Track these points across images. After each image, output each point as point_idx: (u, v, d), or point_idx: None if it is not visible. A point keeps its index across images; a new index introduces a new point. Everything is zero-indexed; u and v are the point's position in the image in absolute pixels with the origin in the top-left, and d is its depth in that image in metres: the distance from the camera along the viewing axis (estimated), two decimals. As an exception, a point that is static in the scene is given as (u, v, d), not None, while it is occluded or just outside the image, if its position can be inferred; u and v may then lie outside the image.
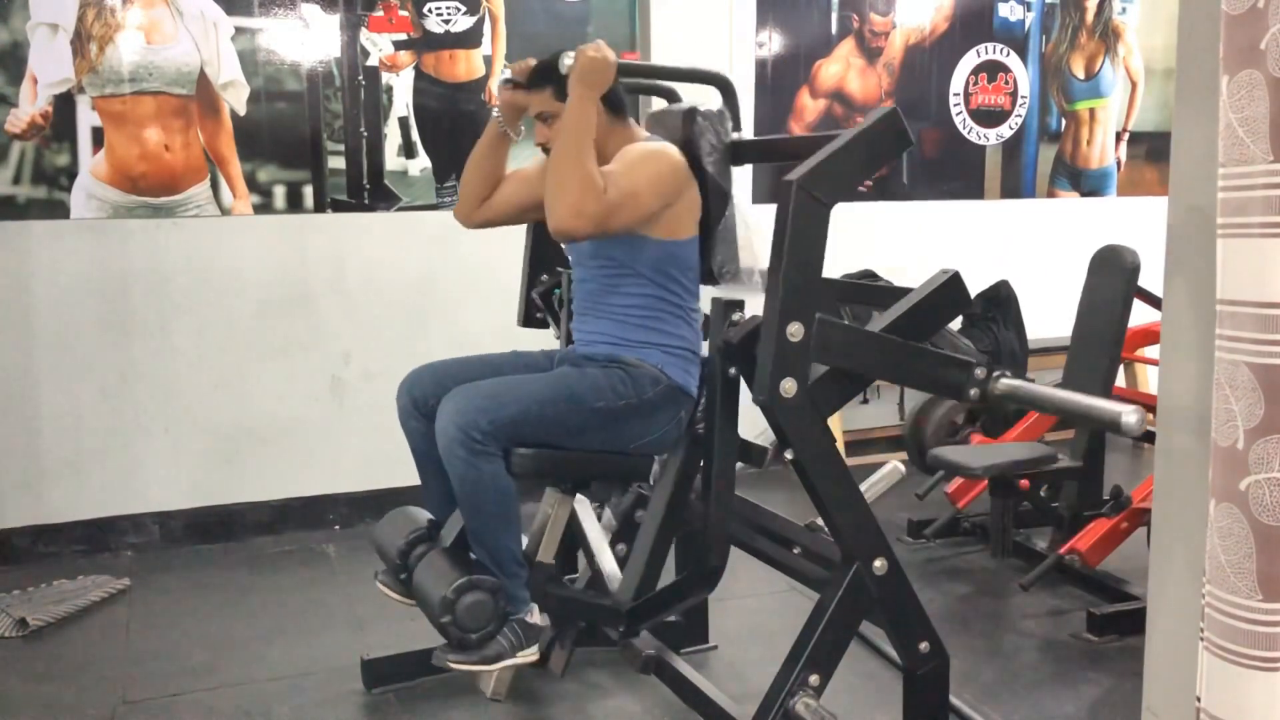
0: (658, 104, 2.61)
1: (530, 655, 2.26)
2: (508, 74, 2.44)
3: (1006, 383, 1.96)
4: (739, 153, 2.41)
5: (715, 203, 2.37)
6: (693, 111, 2.39)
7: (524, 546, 2.34)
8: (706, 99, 2.47)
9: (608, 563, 2.48)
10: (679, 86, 2.60)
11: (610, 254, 2.34)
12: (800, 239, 1.82)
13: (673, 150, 2.31)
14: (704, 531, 2.26)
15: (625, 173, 2.21)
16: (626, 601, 2.30)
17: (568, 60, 2.20)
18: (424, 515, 2.48)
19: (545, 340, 2.76)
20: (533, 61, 2.39)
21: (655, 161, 2.26)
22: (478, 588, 2.18)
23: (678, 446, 2.39)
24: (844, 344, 1.91)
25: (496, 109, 2.47)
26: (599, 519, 2.60)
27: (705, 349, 2.31)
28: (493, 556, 2.23)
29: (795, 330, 1.84)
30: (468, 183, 2.53)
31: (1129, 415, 1.73)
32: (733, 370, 2.16)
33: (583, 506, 2.50)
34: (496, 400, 2.18)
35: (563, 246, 2.60)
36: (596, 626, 2.61)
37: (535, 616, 2.29)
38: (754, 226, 2.42)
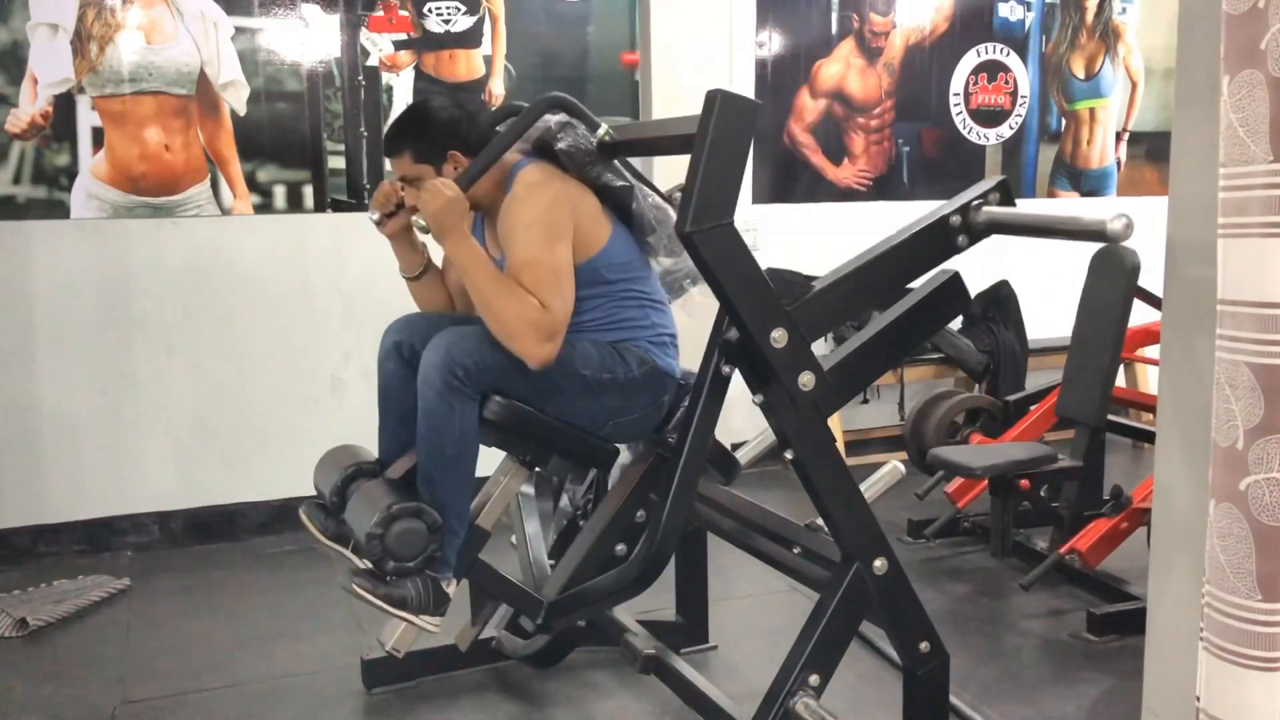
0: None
1: (431, 624, 2.20)
2: (375, 217, 2.42)
3: (987, 211, 1.92)
4: (611, 151, 2.37)
5: (620, 198, 2.37)
6: (544, 145, 2.35)
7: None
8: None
9: (539, 552, 2.47)
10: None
11: None
12: (730, 270, 1.80)
13: (537, 180, 2.27)
14: (651, 530, 2.23)
15: (531, 263, 2.19)
16: (551, 593, 2.27)
17: (420, 224, 2.23)
18: (370, 453, 2.45)
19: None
20: (385, 187, 2.39)
21: (535, 220, 2.22)
22: (420, 517, 2.14)
23: (646, 452, 2.38)
24: (827, 308, 1.91)
25: (399, 268, 2.48)
26: (563, 500, 2.60)
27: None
28: (437, 503, 2.19)
29: (779, 336, 1.84)
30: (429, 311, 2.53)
31: (1113, 221, 1.67)
32: (727, 369, 2.16)
33: (527, 494, 2.48)
34: (486, 345, 2.19)
35: None
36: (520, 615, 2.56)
37: (452, 587, 2.25)
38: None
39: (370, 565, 2.17)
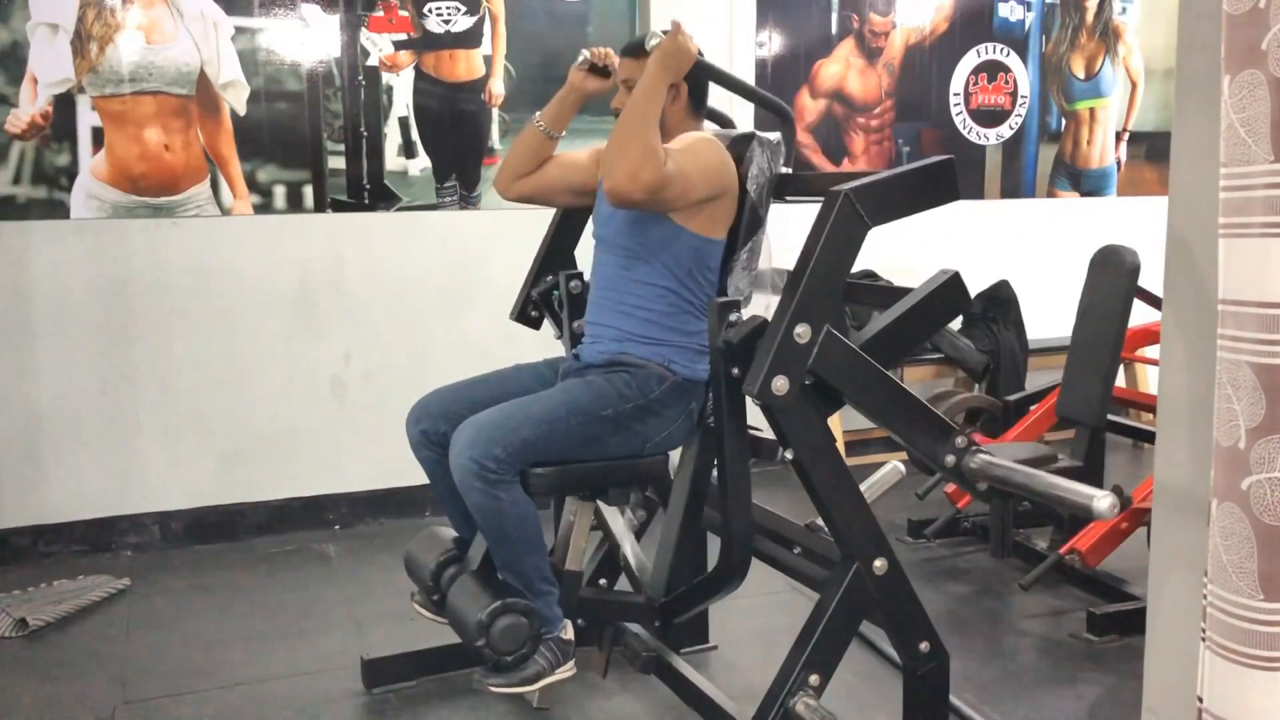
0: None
1: (567, 671, 2.28)
2: (586, 55, 2.47)
3: (982, 459, 1.96)
4: (783, 185, 2.42)
5: (748, 224, 2.38)
6: (751, 135, 2.41)
7: (550, 554, 2.35)
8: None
9: (637, 554, 2.49)
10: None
11: (641, 239, 2.34)
12: (834, 247, 1.87)
13: (724, 150, 2.34)
14: (724, 529, 2.26)
15: (684, 151, 2.25)
16: (658, 598, 2.31)
17: (653, 40, 2.27)
18: (450, 534, 2.51)
19: (542, 339, 2.76)
20: (611, 51, 2.46)
21: (711, 152, 2.30)
22: (511, 610, 2.19)
23: (691, 441, 2.39)
24: (843, 365, 1.92)
25: (537, 116, 2.51)
26: (624, 513, 2.62)
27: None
28: (521, 579, 2.24)
29: (803, 332, 1.85)
30: (510, 160, 2.56)
31: (1100, 500, 1.70)
32: (735, 370, 2.17)
33: (606, 508, 2.51)
34: (507, 426, 2.18)
35: (590, 230, 2.60)
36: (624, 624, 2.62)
37: (569, 632, 2.30)
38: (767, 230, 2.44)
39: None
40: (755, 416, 2.26)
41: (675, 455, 2.43)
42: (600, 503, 2.46)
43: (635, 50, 2.39)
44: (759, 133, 2.42)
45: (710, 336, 2.21)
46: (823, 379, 1.93)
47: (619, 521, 2.54)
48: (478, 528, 2.32)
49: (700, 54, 2.32)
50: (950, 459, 1.98)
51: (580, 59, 2.48)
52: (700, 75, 2.37)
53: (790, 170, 2.44)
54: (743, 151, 2.38)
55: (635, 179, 2.14)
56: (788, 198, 2.44)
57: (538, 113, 2.52)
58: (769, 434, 2.51)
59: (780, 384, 1.87)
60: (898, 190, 1.95)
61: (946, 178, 2.01)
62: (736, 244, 2.39)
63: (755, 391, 1.88)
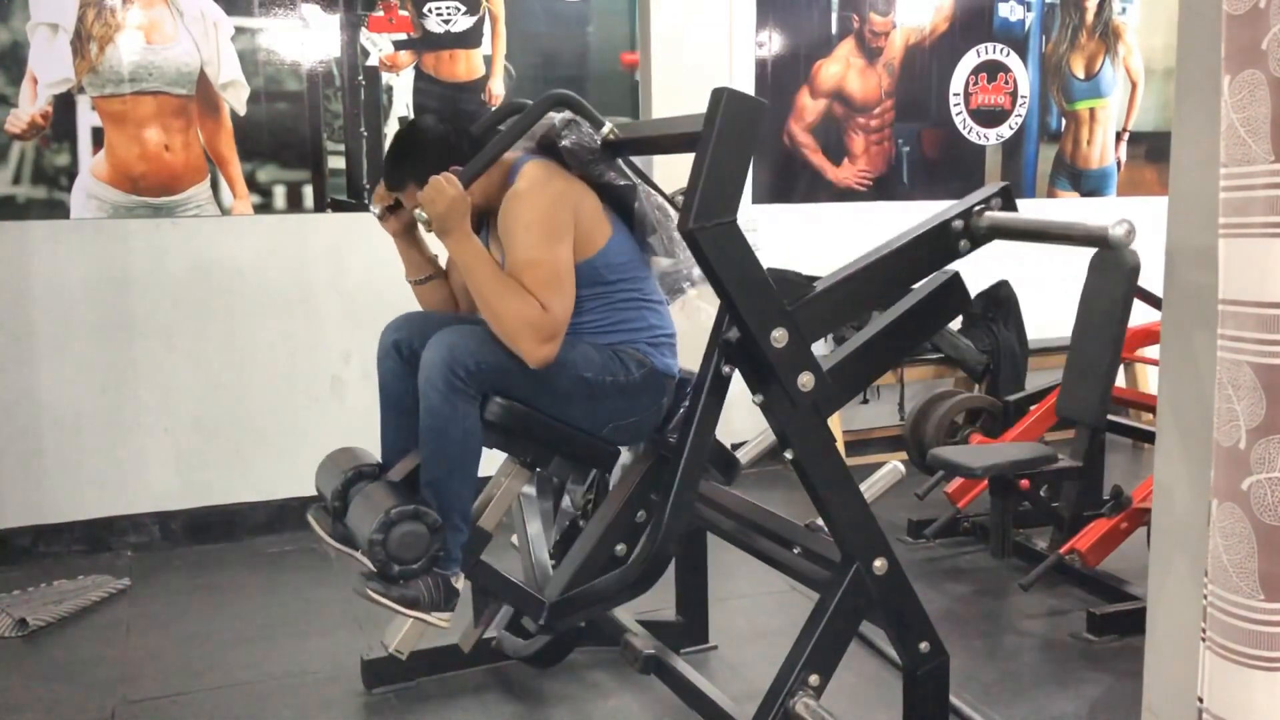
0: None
1: (441, 620, 2.22)
2: (377, 210, 2.45)
3: (990, 215, 1.93)
4: (615, 150, 2.37)
5: (622, 196, 2.37)
6: (549, 142, 2.34)
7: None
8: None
9: (540, 554, 2.47)
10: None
11: None
12: (732, 269, 1.80)
13: (539, 178, 2.26)
14: (653, 531, 2.23)
15: (532, 263, 2.18)
16: (553, 594, 2.27)
17: (423, 219, 2.22)
18: (371, 455, 2.46)
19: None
20: (381, 189, 2.41)
21: (536, 219, 2.21)
22: (420, 519, 2.14)
23: (646, 452, 2.38)
24: (828, 309, 1.91)
25: (404, 272, 2.50)
26: (565, 500, 2.61)
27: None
28: (441, 503, 2.20)
29: (779, 335, 1.84)
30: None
31: (1116, 227, 1.68)
32: (727, 368, 2.16)
33: (528, 495, 2.49)
34: (488, 345, 2.19)
35: None
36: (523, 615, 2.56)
37: (459, 582, 2.26)
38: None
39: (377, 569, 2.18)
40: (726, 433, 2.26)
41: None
42: (525, 490, 2.43)
43: (395, 182, 2.35)
44: (554, 120, 2.33)
45: (711, 332, 2.21)
46: (836, 331, 1.92)
47: (533, 509, 2.52)
48: (415, 442, 2.26)
49: (455, 179, 2.21)
50: (965, 244, 1.94)
51: (375, 211, 2.47)
52: (480, 168, 2.27)
53: (615, 133, 2.33)
54: (554, 147, 2.33)
55: (541, 343, 2.15)
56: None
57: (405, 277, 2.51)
58: (754, 442, 2.53)
59: (806, 379, 1.87)
60: (721, 169, 1.76)
61: (739, 108, 1.77)
62: (629, 215, 2.38)
63: (795, 402, 1.87)
